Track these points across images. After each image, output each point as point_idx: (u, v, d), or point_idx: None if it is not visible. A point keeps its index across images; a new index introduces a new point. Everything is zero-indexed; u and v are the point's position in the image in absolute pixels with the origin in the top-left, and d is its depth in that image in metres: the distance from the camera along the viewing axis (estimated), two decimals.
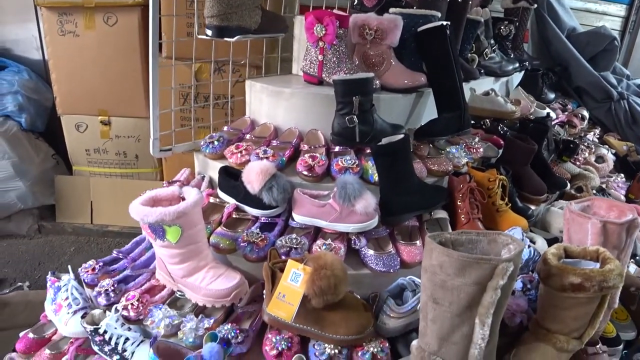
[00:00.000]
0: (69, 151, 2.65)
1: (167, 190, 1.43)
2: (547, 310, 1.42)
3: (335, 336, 1.30)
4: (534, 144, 1.86)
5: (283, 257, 1.39)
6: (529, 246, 1.51)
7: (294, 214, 1.51)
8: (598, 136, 2.54)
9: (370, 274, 1.46)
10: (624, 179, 2.38)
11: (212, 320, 1.38)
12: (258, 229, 1.49)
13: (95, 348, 1.45)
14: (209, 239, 1.49)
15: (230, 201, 1.57)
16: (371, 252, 1.46)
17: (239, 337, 1.34)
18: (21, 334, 1.66)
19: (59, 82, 2.54)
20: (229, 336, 1.34)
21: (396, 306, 1.34)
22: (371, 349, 1.31)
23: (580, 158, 2.24)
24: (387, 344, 1.34)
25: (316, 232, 1.53)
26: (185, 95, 2.36)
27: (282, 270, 1.30)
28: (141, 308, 1.43)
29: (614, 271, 1.33)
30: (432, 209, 1.60)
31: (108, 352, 1.41)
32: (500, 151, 1.93)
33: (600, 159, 2.33)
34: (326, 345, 1.31)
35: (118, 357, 1.40)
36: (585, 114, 2.51)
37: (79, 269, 1.63)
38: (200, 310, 1.44)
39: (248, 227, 1.53)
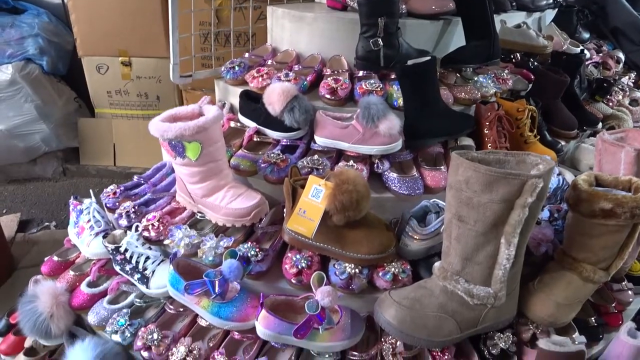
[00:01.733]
0: (91, 94, 2.64)
1: (187, 108, 1.40)
2: (574, 239, 1.36)
3: (356, 255, 1.27)
4: (566, 77, 1.76)
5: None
6: (559, 174, 1.44)
7: (315, 136, 1.47)
8: (633, 81, 2.41)
9: (393, 197, 1.42)
10: None
11: (232, 240, 1.36)
12: (279, 151, 1.46)
13: (117, 268, 1.45)
14: (229, 161, 1.47)
15: (251, 125, 1.54)
16: (394, 175, 1.41)
17: (259, 256, 1.32)
18: (46, 258, 1.68)
19: (78, 23, 2.51)
20: (249, 254, 1.32)
21: (419, 227, 1.30)
22: (392, 269, 1.28)
23: (613, 99, 2.13)
24: (408, 266, 1.31)
25: (338, 155, 1.49)
26: (206, 34, 2.31)
27: (302, 187, 1.27)
28: (161, 228, 1.42)
29: None
30: (458, 136, 1.53)
31: (129, 271, 1.41)
32: (530, 86, 1.84)
33: (634, 102, 2.22)
34: (346, 264, 1.28)
35: (139, 275, 1.40)
36: (621, 56, 2.38)
37: (101, 194, 1.63)
38: (220, 231, 1.42)
39: (269, 149, 1.49)
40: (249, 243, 1.33)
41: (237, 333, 1.29)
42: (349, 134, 1.42)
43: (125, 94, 2.58)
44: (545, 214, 1.46)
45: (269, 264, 1.33)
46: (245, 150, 1.48)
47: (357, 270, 1.27)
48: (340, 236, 1.27)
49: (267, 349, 1.30)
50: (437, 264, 1.24)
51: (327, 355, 1.26)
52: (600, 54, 2.32)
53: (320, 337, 1.20)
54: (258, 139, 1.52)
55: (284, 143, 1.49)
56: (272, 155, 1.43)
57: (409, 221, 1.30)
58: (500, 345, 1.26)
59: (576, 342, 1.30)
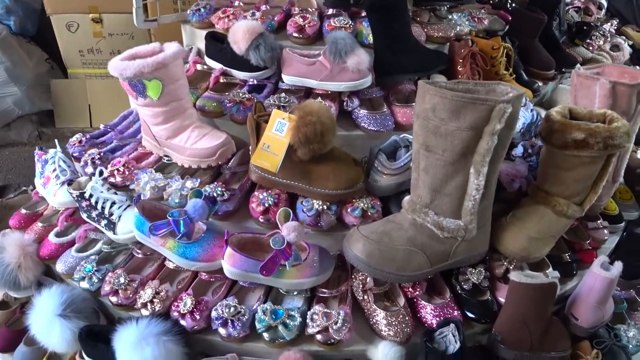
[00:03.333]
0: (63, 53, 2.54)
1: (147, 46, 1.34)
2: (547, 172, 1.32)
3: (323, 190, 1.23)
4: (544, 15, 1.70)
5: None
6: (532, 110, 1.39)
7: (283, 75, 1.41)
8: (615, 28, 2.35)
9: (363, 135, 1.38)
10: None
11: (198, 181, 1.31)
12: (246, 91, 1.40)
13: (84, 215, 1.41)
14: (195, 103, 1.41)
15: (217, 66, 1.47)
16: (364, 111, 1.36)
17: (225, 195, 1.28)
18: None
19: None
20: (215, 194, 1.27)
21: (388, 162, 1.25)
22: (361, 205, 1.24)
23: (594, 44, 2.07)
24: (378, 202, 1.27)
25: (307, 94, 1.44)
26: None
27: (266, 122, 1.21)
28: (127, 173, 1.37)
29: (621, 129, 1.22)
30: (430, 73, 1.48)
31: (95, 218, 1.37)
32: (507, 28, 1.78)
33: (615, 47, 2.16)
34: (314, 201, 1.24)
35: (105, 221, 1.35)
36: (603, 2, 2.31)
37: (67, 144, 1.57)
38: (187, 174, 1.37)
39: (236, 90, 1.43)
40: (215, 183, 1.29)
41: (205, 274, 1.26)
42: (317, 71, 1.36)
43: (98, 53, 2.48)
44: (519, 150, 1.42)
45: (236, 203, 1.29)
46: (211, 92, 1.43)
47: (325, 207, 1.23)
48: (307, 172, 1.22)
49: (236, 289, 1.26)
50: (406, 198, 1.20)
51: (295, 293, 1.23)
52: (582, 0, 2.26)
53: (288, 273, 1.17)
54: (225, 81, 1.46)
55: (251, 83, 1.43)
56: (238, 94, 1.37)
57: (378, 155, 1.25)
58: (473, 280, 1.23)
59: (549, 277, 1.28)
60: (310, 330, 1.15)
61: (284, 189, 1.26)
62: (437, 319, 1.19)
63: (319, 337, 1.15)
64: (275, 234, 1.15)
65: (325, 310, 1.16)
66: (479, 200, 1.12)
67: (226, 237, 1.18)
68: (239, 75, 1.43)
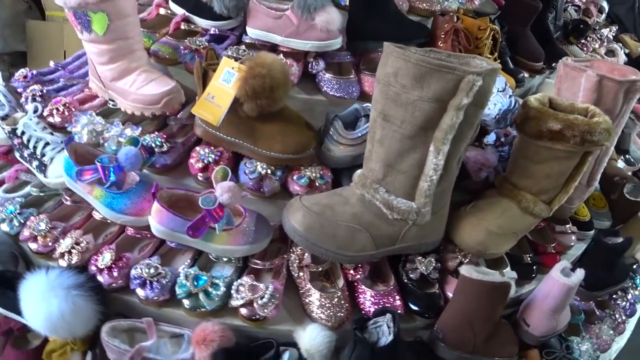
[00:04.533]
0: None
1: None
2: (517, 163, 1.15)
3: (268, 152, 1.06)
4: (539, 3, 1.52)
5: None
6: (511, 96, 1.22)
7: (247, 27, 1.22)
8: (613, 34, 2.17)
9: (324, 101, 1.20)
10: None
11: (139, 129, 1.14)
12: (205, 40, 1.22)
13: (17, 155, 1.23)
14: (150, 48, 1.23)
15: (180, 11, 1.29)
16: (329, 75, 1.19)
17: (164, 147, 1.10)
18: None
19: None
20: (153, 144, 1.10)
21: (344, 131, 1.08)
22: (309, 173, 1.07)
23: (589, 46, 1.90)
24: (329, 173, 1.10)
25: (272, 51, 1.25)
26: None
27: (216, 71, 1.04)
28: (67, 114, 1.19)
29: (601, 124, 1.05)
30: (407, 44, 1.29)
31: (27, 158, 1.19)
32: (500, 12, 1.60)
33: (610, 52, 1.98)
34: (258, 163, 1.07)
35: (37, 162, 1.17)
36: (605, 6, 2.12)
37: (12, 78, 1.39)
38: (132, 121, 1.20)
39: (201, 37, 1.25)
40: (156, 133, 1.12)
41: (131, 229, 1.09)
42: (283, 26, 1.18)
43: None
44: (491, 137, 1.25)
45: (176, 157, 1.12)
46: (169, 37, 1.24)
47: (269, 171, 1.06)
48: (253, 130, 1.05)
49: (164, 250, 1.10)
50: (358, 171, 1.03)
51: (225, 259, 1.06)
52: (584, 0, 2.07)
53: (218, 238, 1.00)
54: (186, 28, 1.27)
55: (212, 32, 1.25)
56: (195, 41, 1.19)
57: (333, 122, 1.08)
58: (421, 270, 1.07)
59: (505, 277, 1.12)
60: (233, 303, 0.99)
61: (228, 147, 1.09)
62: (376, 306, 1.02)
63: (243, 311, 0.98)
64: (208, 193, 0.99)
65: (253, 282, 0.99)
66: (436, 182, 0.95)
67: (154, 190, 1.01)
68: (201, 23, 1.25)
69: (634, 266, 1.49)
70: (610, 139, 1.08)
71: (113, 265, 1.03)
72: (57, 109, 1.20)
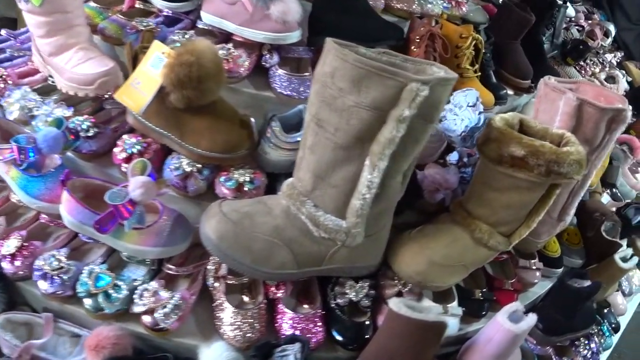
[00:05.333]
0: None
1: None
2: (475, 188, 0.97)
3: (195, 149, 0.91)
4: (532, 15, 1.33)
5: None
6: (480, 113, 1.04)
7: (202, 12, 1.07)
8: (618, 60, 1.95)
9: (274, 98, 1.04)
10: (632, 112, 1.82)
11: (71, 110, 1.00)
12: (155, 21, 1.07)
13: None
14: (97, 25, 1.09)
15: None
16: (282, 71, 1.03)
17: (91, 131, 0.96)
18: None
19: None
20: (80, 128, 0.96)
21: (282, 133, 0.92)
22: (237, 176, 0.91)
23: (588, 69, 1.69)
24: (262, 178, 0.94)
25: (226, 40, 1.09)
26: None
27: None
28: (2, 86, 1.07)
29: (572, 155, 0.85)
30: (376, 45, 1.12)
31: None
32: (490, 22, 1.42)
33: (611, 79, 1.77)
34: (184, 159, 0.92)
35: None
36: (612, 29, 1.91)
37: None
38: (71, 101, 1.06)
39: (151, 18, 1.10)
40: (85, 117, 0.98)
41: (45, 216, 0.96)
42: (237, 13, 1.02)
43: None
44: (453, 157, 1.08)
45: (103, 143, 0.97)
46: (120, 15, 1.10)
47: (194, 168, 0.91)
48: (181, 122, 0.90)
49: (78, 242, 0.96)
50: (289, 179, 0.88)
51: (133, 261, 0.92)
52: (589, 21, 1.86)
53: (127, 236, 0.86)
54: (142, 7, 1.13)
55: (166, 14, 1.10)
56: (142, 22, 1.04)
57: (271, 122, 0.92)
58: (350, 295, 0.90)
59: (448, 312, 0.95)
60: (135, 309, 0.84)
61: (158, 138, 0.94)
62: (294, 331, 0.87)
63: (145, 318, 0.84)
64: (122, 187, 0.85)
65: (158, 289, 0.85)
66: (370, 201, 0.79)
67: (63, 178, 0.87)
68: (156, 2, 1.09)
69: (605, 310, 1.30)
70: (582, 173, 0.90)
71: (17, 254, 0.89)
72: None
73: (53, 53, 1.02)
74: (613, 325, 1.28)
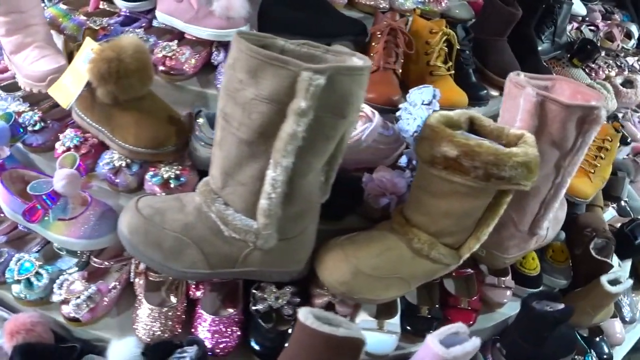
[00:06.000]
0: None
1: None
2: (413, 193, 0.85)
3: (123, 144, 0.87)
4: (518, 9, 1.18)
5: None
6: (435, 111, 0.92)
7: (156, 11, 1.05)
8: None
9: (215, 95, 0.99)
10: None
11: (26, 105, 1.01)
12: (111, 21, 1.06)
13: None
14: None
15: None
16: None
17: (37, 126, 0.96)
18: None
19: None
20: (28, 122, 0.97)
21: (208, 129, 0.86)
22: (163, 172, 0.87)
23: (600, 72, 1.48)
24: (190, 174, 0.89)
25: (180, 38, 1.05)
26: None
27: None
28: None
29: (516, 157, 0.73)
30: (331, 41, 1.04)
31: None
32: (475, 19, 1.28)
33: (629, 83, 1.54)
34: (115, 154, 0.89)
35: None
36: (635, 31, 1.66)
37: None
38: (35, 98, 1.07)
39: (109, 18, 1.10)
40: (35, 111, 0.98)
41: None
42: (184, 10, 0.98)
43: None
44: (403, 160, 0.97)
45: (48, 137, 0.96)
46: (83, 16, 1.10)
47: (124, 163, 0.88)
48: (110, 117, 0.87)
49: (20, 233, 0.96)
50: (206, 177, 0.82)
51: (64, 252, 0.90)
52: (608, 21, 1.64)
53: (53, 227, 0.84)
54: (106, 7, 1.12)
55: (124, 13, 1.09)
56: (95, 21, 1.04)
57: (197, 118, 0.87)
58: (270, 301, 0.82)
59: (384, 329, 0.85)
60: (53, 298, 0.83)
61: (95, 133, 0.92)
62: (211, 335, 0.81)
63: (63, 308, 0.82)
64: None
65: (75, 280, 0.82)
66: (279, 202, 0.71)
67: None
68: (117, 3, 1.09)
69: (597, 339, 1.11)
70: (532, 179, 0.76)
71: None
72: None
73: (13, 51, 1.03)
74: (604, 357, 1.09)
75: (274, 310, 0.83)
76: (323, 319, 0.72)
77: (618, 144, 1.21)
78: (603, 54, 1.58)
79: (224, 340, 0.80)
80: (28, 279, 0.83)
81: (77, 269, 0.88)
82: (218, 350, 0.79)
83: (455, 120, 0.82)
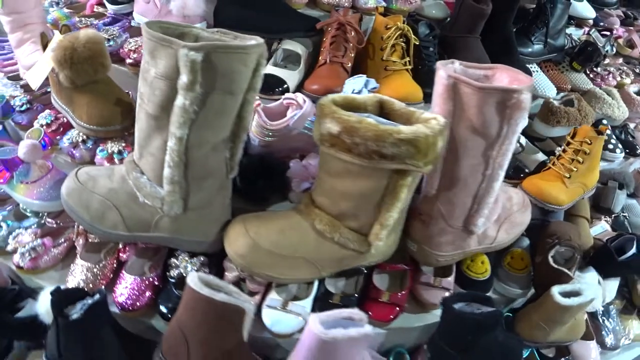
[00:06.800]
0: None
1: None
2: (317, 175, 0.90)
3: (79, 122, 1.03)
4: (488, 5, 1.17)
5: None
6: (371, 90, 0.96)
7: (133, 12, 1.22)
8: None
9: None
10: None
11: (20, 90, 1.23)
12: (97, 21, 1.26)
13: None
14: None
15: None
16: None
17: (23, 107, 1.17)
18: None
19: None
20: (16, 104, 1.18)
21: None
22: (109, 147, 1.01)
23: (607, 77, 1.38)
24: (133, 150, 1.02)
25: None
26: None
27: None
28: None
29: (399, 134, 0.75)
30: (282, 36, 1.14)
31: None
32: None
33: None
34: (75, 131, 1.06)
35: None
36: None
37: None
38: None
39: (100, 19, 1.30)
40: (24, 94, 1.19)
41: None
42: (149, 10, 1.14)
43: None
44: None
45: (32, 117, 1.16)
46: (77, 18, 1.31)
47: (81, 139, 1.04)
48: (71, 99, 1.03)
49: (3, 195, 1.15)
50: None
51: (29, 212, 1.06)
52: (629, 27, 1.53)
53: (17, 188, 1.01)
54: (101, 11, 1.33)
55: (110, 15, 1.28)
56: (82, 21, 1.24)
57: None
58: (180, 269, 0.91)
59: (288, 309, 0.90)
60: (7, 248, 0.99)
61: (64, 113, 1.10)
62: (126, 296, 0.92)
63: (14, 257, 0.98)
64: None
65: (26, 234, 0.99)
66: (179, 170, 0.82)
67: None
68: (108, 6, 1.29)
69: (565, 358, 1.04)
70: (426, 160, 0.78)
71: None
72: None
73: (16, 46, 1.26)
74: None
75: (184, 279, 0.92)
76: (214, 286, 0.79)
77: (602, 148, 1.13)
78: (621, 60, 1.48)
79: (137, 298, 0.90)
80: None
81: (36, 227, 1.05)
82: (127, 306, 0.89)
83: (361, 102, 0.86)
